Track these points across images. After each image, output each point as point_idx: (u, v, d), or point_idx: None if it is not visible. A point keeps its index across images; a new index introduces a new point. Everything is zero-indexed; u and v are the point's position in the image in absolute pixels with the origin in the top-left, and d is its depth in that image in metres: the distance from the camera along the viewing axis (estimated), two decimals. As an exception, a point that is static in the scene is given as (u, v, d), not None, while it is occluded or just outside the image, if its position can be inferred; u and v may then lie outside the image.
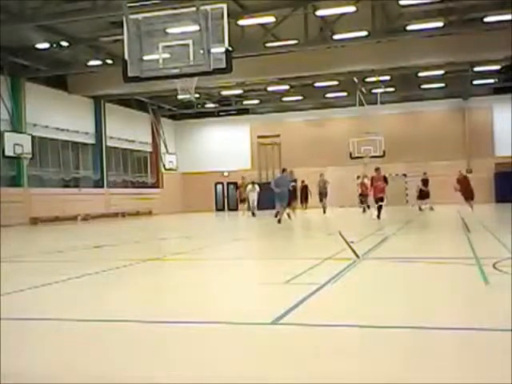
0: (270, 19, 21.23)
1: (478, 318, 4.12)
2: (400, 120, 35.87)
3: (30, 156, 23.90)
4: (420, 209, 23.72)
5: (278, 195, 17.48)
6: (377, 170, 19.20)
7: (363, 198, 25.10)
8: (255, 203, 26.14)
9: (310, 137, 36.74)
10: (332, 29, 22.22)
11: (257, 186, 26.43)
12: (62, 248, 11.84)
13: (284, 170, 18.16)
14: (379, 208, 18.40)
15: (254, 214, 25.43)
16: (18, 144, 22.98)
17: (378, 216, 18.06)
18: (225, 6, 10.04)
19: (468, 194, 21.21)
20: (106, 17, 19.36)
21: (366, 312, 4.41)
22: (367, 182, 24.75)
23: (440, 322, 4.01)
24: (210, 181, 38.17)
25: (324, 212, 24.29)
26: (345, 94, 33.97)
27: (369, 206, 24.19)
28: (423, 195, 24.02)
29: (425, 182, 23.98)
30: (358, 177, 29.22)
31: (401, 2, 20.06)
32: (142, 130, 36.11)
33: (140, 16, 10.51)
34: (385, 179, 19.12)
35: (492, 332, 3.63)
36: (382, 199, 18.55)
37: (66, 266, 8.49)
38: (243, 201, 26.34)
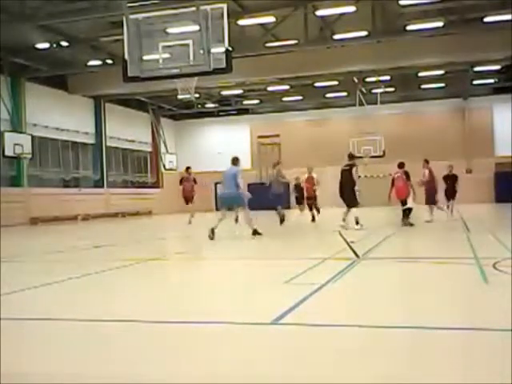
0: (270, 19, 21.22)
1: (478, 317, 4.12)
2: (400, 120, 35.83)
3: (30, 156, 23.90)
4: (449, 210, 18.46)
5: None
6: (402, 165, 16.15)
7: (310, 201, 18.30)
8: None
9: (310, 137, 36.69)
10: (332, 29, 22.22)
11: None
12: (62, 248, 11.84)
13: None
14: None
15: (236, 220, 17.58)
16: (18, 144, 22.97)
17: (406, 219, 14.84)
18: (225, 5, 10.02)
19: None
20: (106, 17, 19.34)
21: (365, 312, 4.41)
22: (316, 177, 18.30)
23: (440, 321, 4.00)
24: (209, 181, 38.13)
25: (282, 220, 16.59)
26: (345, 94, 33.96)
27: (318, 210, 18.35)
28: (449, 195, 18.95)
29: (448, 178, 19.63)
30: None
31: (401, 2, 20.05)
32: (142, 130, 36.10)
33: (140, 16, 10.49)
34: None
35: (492, 332, 3.63)
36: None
37: (66, 266, 8.49)
38: (188, 200, 19.87)
